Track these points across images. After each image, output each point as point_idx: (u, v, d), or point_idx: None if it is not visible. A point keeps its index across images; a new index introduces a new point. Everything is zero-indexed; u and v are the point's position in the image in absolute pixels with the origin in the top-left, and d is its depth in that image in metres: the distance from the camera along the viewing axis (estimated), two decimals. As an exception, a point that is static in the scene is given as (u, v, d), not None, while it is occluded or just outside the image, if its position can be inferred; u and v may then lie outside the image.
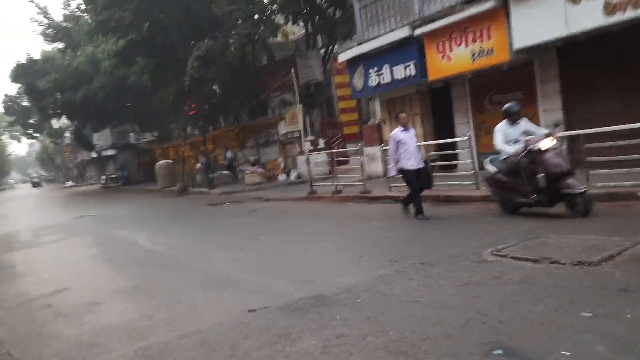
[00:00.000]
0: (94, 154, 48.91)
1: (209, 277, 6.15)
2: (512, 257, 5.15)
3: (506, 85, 12.41)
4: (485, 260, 5.19)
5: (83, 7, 27.26)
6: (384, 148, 15.15)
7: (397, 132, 8.59)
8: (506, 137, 7.55)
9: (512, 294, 4.10)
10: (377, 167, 15.70)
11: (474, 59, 11.68)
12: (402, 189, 11.16)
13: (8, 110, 51.99)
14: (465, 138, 10.47)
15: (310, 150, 20.27)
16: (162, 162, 27.96)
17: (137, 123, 39.16)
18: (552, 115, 11.30)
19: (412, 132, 8.75)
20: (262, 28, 20.77)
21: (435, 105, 14.62)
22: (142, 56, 23.61)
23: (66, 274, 7.53)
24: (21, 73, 36.80)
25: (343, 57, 15.83)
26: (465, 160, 10.81)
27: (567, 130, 10.62)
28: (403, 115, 8.81)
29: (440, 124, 14.46)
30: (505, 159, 7.60)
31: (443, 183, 10.42)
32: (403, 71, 13.57)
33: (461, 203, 9.49)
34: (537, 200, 7.08)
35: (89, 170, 59.72)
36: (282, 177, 20.73)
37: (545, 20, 10.00)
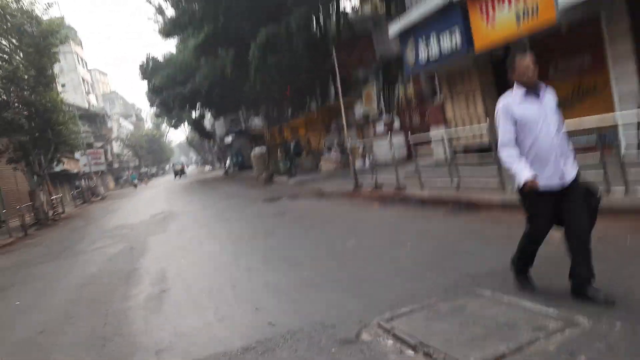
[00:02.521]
0: (213, 142, 51.74)
1: (93, 335, 5.22)
2: (393, 335, 3.67)
3: (572, 48, 9.82)
4: (357, 339, 3.74)
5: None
6: (444, 130, 13.23)
7: (513, 101, 3.82)
8: None
9: None
10: (440, 153, 13.82)
11: (519, 22, 9.34)
12: (438, 185, 9.49)
13: (152, 103, 57.22)
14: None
15: (375, 135, 18.79)
16: (256, 149, 28.26)
17: (244, 110, 40.26)
18: (627, 84, 8.60)
19: (548, 97, 3.81)
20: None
21: (498, 78, 12.23)
22: (221, 47, 23.73)
23: (22, 305, 7.48)
24: (144, 71, 39.94)
25: (393, 29, 14.01)
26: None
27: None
28: (525, 61, 3.72)
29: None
30: None
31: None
32: (450, 42, 11.49)
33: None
34: None
35: (220, 157, 63.91)
36: (359, 162, 19.47)
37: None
